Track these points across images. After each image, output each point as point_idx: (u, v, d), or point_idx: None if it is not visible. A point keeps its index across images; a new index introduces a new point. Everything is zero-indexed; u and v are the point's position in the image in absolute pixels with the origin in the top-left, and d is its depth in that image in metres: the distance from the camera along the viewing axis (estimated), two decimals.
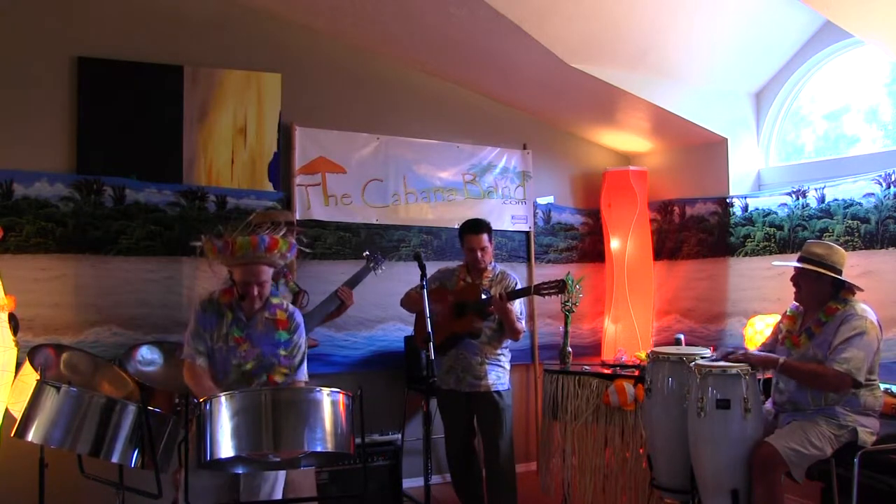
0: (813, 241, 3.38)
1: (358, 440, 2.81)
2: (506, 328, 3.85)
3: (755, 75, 4.91)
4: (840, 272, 3.22)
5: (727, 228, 4.92)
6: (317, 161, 4.66)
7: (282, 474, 3.10)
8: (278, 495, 3.07)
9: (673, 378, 3.38)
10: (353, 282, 4.08)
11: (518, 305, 3.92)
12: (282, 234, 3.05)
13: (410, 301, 4.05)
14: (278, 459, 2.83)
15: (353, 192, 4.76)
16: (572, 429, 4.16)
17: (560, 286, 3.79)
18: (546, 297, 3.86)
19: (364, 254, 4.20)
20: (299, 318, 3.21)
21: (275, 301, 3.15)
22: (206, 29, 4.41)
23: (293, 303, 3.84)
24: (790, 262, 3.38)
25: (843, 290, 3.24)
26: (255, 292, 3.02)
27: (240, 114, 4.46)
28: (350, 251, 4.72)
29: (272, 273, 3.12)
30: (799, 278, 3.30)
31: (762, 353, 3.39)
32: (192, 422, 2.69)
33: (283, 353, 3.09)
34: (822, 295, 3.24)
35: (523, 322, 3.94)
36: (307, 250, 3.96)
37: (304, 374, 3.17)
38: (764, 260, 4.64)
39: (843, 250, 3.30)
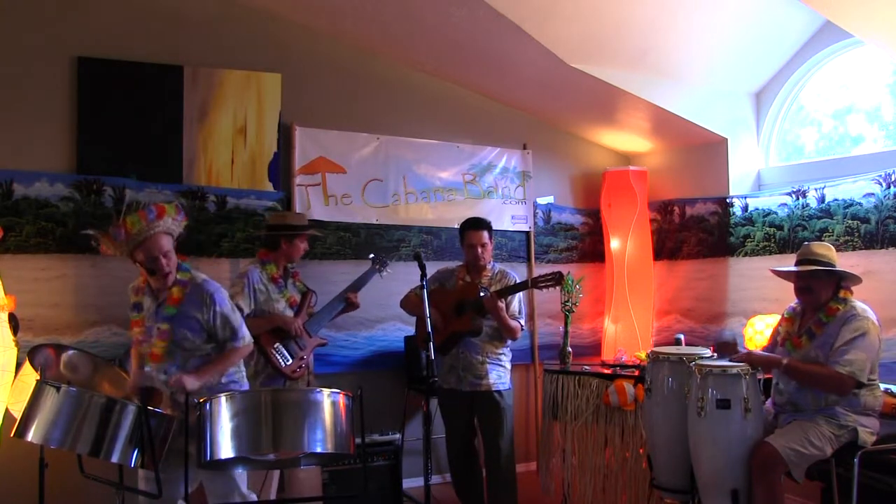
0: (813, 243, 3.37)
1: (358, 440, 2.81)
2: (500, 327, 3.85)
3: (755, 75, 4.91)
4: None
5: (727, 228, 4.92)
6: (317, 161, 4.66)
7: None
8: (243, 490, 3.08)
9: (673, 378, 3.38)
10: (359, 284, 4.14)
11: (517, 304, 3.92)
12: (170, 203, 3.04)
13: (410, 303, 4.05)
14: (278, 459, 2.83)
15: (353, 192, 4.76)
16: (572, 429, 4.16)
17: (557, 278, 3.79)
18: (543, 289, 3.86)
19: (370, 256, 4.24)
20: (211, 286, 3.12)
21: (181, 276, 3.09)
22: (206, 29, 4.40)
23: (301, 304, 3.87)
24: (792, 267, 3.34)
25: (841, 290, 3.24)
26: (164, 264, 2.99)
27: (240, 114, 4.46)
28: (350, 251, 4.72)
29: (173, 241, 3.06)
30: (811, 281, 3.24)
31: (766, 353, 3.38)
32: (187, 421, 2.69)
33: (199, 326, 3.05)
34: (826, 296, 3.24)
35: (522, 320, 3.94)
36: (319, 234, 3.76)
37: (241, 340, 3.12)
38: (764, 260, 4.64)
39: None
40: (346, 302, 4.07)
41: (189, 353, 3.07)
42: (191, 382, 2.94)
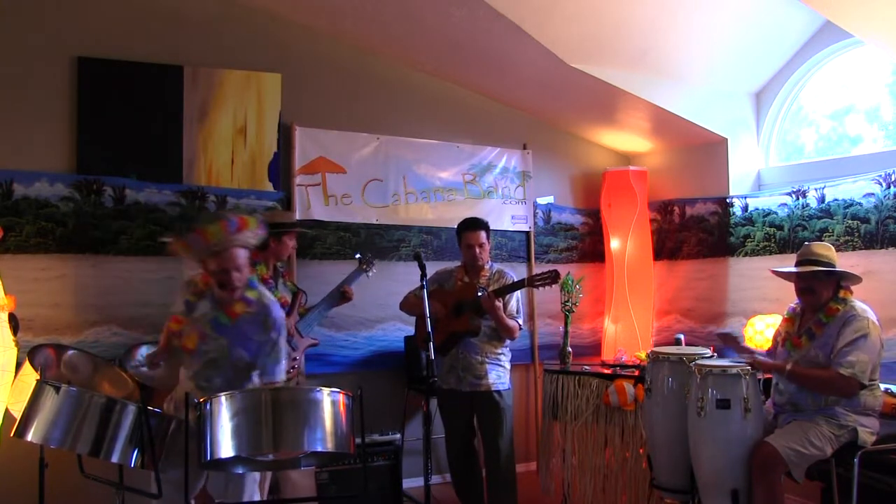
0: (813, 243, 3.37)
1: (358, 440, 2.81)
2: (497, 327, 3.85)
3: (755, 75, 4.91)
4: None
5: (727, 228, 4.92)
6: (317, 161, 4.66)
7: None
8: (253, 493, 3.06)
9: (673, 378, 3.38)
10: (348, 282, 4.13)
11: (514, 303, 3.92)
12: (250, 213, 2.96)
13: (409, 305, 4.05)
14: (278, 459, 2.83)
15: (353, 192, 4.76)
16: (572, 429, 4.16)
17: (553, 276, 3.79)
18: (540, 288, 3.87)
19: (356, 256, 4.22)
20: (277, 313, 3.06)
21: (250, 294, 3.02)
22: (206, 29, 4.41)
23: (291, 304, 3.85)
24: (791, 268, 3.35)
25: (841, 290, 3.24)
26: (236, 278, 2.91)
27: (240, 114, 4.46)
28: (350, 251, 4.72)
29: (248, 255, 2.98)
30: (812, 281, 3.24)
31: (769, 360, 3.35)
32: (187, 420, 2.69)
33: (255, 347, 2.98)
34: (826, 296, 3.24)
35: (520, 320, 3.94)
36: (308, 231, 3.74)
37: (279, 374, 3.03)
38: (764, 260, 4.64)
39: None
40: (344, 296, 4.06)
41: (237, 371, 2.98)
42: None
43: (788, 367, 3.16)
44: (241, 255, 2.93)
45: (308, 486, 3.73)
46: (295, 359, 3.79)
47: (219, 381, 2.96)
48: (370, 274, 4.21)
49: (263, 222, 3.01)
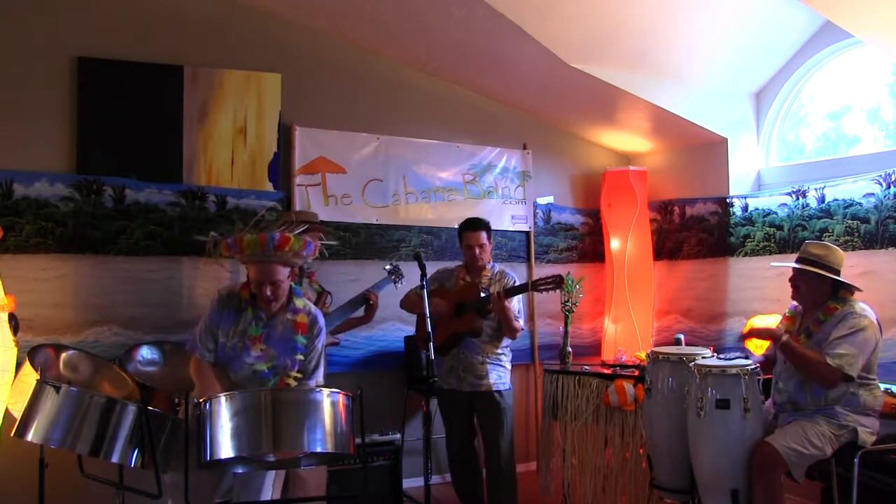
0: (811, 242, 3.38)
1: (358, 440, 2.81)
2: (503, 326, 3.86)
3: (755, 75, 4.91)
4: (839, 272, 3.22)
5: (727, 228, 4.92)
6: (317, 161, 4.66)
7: (270, 475, 3.08)
8: (268, 495, 3.06)
9: (673, 378, 3.38)
10: (374, 289, 4.16)
11: (516, 304, 3.92)
12: (297, 232, 2.95)
13: (410, 303, 4.06)
14: (277, 459, 2.83)
15: (353, 192, 4.76)
16: (572, 429, 4.16)
17: (557, 281, 3.79)
18: (543, 292, 3.87)
19: (385, 267, 4.28)
20: (322, 322, 3.14)
21: (298, 303, 3.08)
22: (206, 29, 4.40)
23: (316, 303, 3.86)
24: (788, 263, 3.38)
25: (842, 290, 3.24)
26: (268, 292, 2.94)
27: (240, 114, 4.46)
28: (350, 251, 4.72)
29: (289, 272, 3.01)
30: (798, 279, 3.30)
31: (770, 327, 3.42)
32: (187, 420, 2.69)
33: (300, 357, 3.04)
34: (821, 295, 3.25)
35: (521, 321, 3.94)
36: (333, 243, 3.83)
37: (316, 379, 3.11)
38: (764, 260, 4.64)
39: (840, 251, 3.30)
40: (365, 304, 4.08)
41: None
42: None
43: (784, 337, 3.17)
44: (280, 272, 2.93)
45: (319, 485, 3.72)
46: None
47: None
48: (398, 285, 4.24)
49: (311, 244, 2.99)
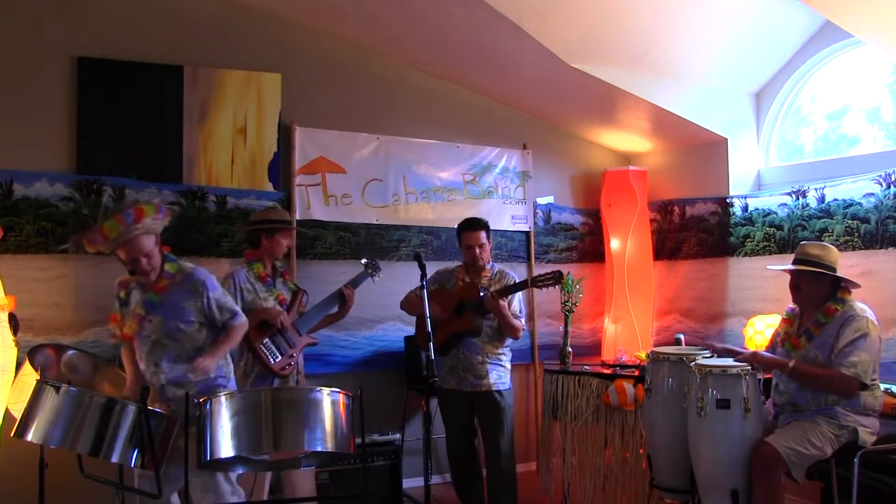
0: (808, 243, 3.37)
1: (358, 440, 2.81)
2: (503, 326, 3.85)
3: (755, 75, 4.91)
4: (835, 271, 3.22)
5: (727, 228, 4.92)
6: (317, 161, 4.66)
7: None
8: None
9: (673, 378, 3.38)
10: (354, 284, 4.10)
11: (517, 303, 3.92)
12: (146, 201, 3.02)
13: (410, 304, 4.05)
14: (278, 459, 2.83)
15: (353, 192, 4.76)
16: (572, 429, 4.16)
17: (556, 277, 3.79)
18: (543, 288, 3.86)
19: (362, 261, 4.22)
20: (200, 274, 3.16)
21: (169, 268, 3.12)
22: (206, 29, 4.41)
23: (291, 303, 3.86)
24: (786, 266, 3.37)
25: (839, 290, 3.24)
26: (145, 263, 3.00)
27: (240, 114, 4.46)
28: (350, 251, 4.73)
29: (154, 240, 3.06)
30: (799, 280, 3.29)
31: (771, 356, 3.36)
32: (187, 420, 2.69)
33: (193, 318, 3.08)
34: (822, 296, 3.25)
35: (522, 320, 3.94)
36: (302, 229, 3.74)
37: (239, 318, 3.20)
38: (764, 260, 4.64)
39: (836, 249, 3.31)
40: (341, 300, 4.03)
41: (180, 345, 3.08)
42: (210, 362, 3.03)
43: (791, 364, 3.16)
44: (147, 242, 3.00)
45: (309, 488, 3.73)
46: (292, 355, 3.78)
47: (165, 362, 3.06)
48: (376, 279, 4.22)
49: (162, 205, 3.06)
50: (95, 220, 2.98)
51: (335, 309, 4.05)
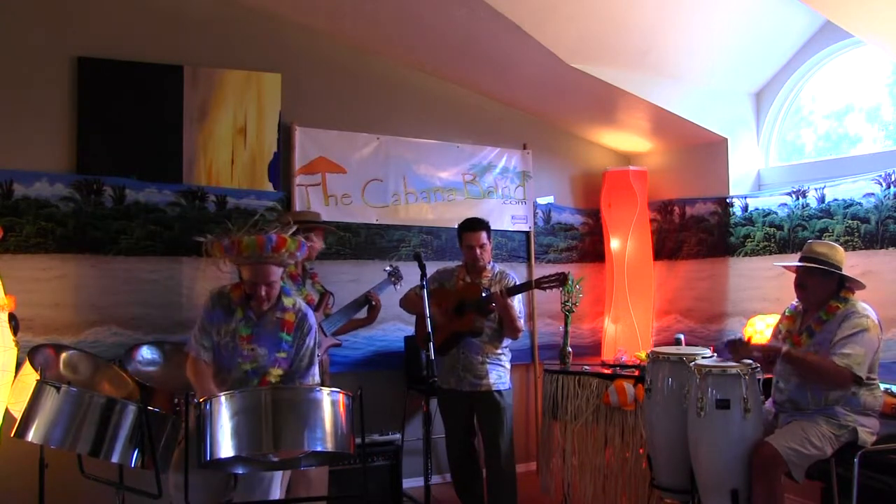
0: (815, 241, 3.38)
1: (358, 440, 2.81)
2: (505, 325, 3.85)
3: (755, 75, 4.91)
4: (842, 271, 3.23)
5: (727, 228, 4.92)
6: (317, 161, 4.66)
7: (277, 475, 3.08)
8: (275, 495, 3.06)
9: (673, 378, 3.38)
10: (375, 290, 4.17)
11: (517, 304, 3.92)
12: (291, 232, 2.99)
13: (410, 303, 4.05)
14: (278, 459, 2.83)
15: (353, 192, 4.76)
16: (572, 429, 4.16)
17: (561, 279, 3.79)
18: (546, 290, 3.86)
19: (385, 269, 4.29)
20: (311, 319, 3.15)
21: (287, 302, 3.10)
22: (206, 29, 4.40)
23: (318, 304, 3.86)
24: (793, 262, 3.37)
25: (843, 290, 3.24)
26: (262, 292, 2.97)
27: (240, 114, 4.46)
28: (350, 251, 4.73)
29: (281, 272, 3.05)
30: (805, 277, 3.28)
31: (765, 342, 3.38)
32: (187, 420, 2.68)
33: (282, 355, 3.05)
34: (826, 294, 3.25)
35: (522, 320, 3.94)
36: (336, 231, 3.70)
37: (310, 377, 3.12)
38: (764, 260, 4.65)
39: (842, 249, 3.31)
40: (368, 305, 4.09)
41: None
42: None
43: (785, 348, 3.17)
44: (274, 273, 2.98)
45: (322, 483, 3.71)
46: (318, 356, 3.80)
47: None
48: (398, 287, 4.25)
49: (304, 245, 3.05)
50: (238, 230, 2.95)
51: (363, 314, 4.11)
